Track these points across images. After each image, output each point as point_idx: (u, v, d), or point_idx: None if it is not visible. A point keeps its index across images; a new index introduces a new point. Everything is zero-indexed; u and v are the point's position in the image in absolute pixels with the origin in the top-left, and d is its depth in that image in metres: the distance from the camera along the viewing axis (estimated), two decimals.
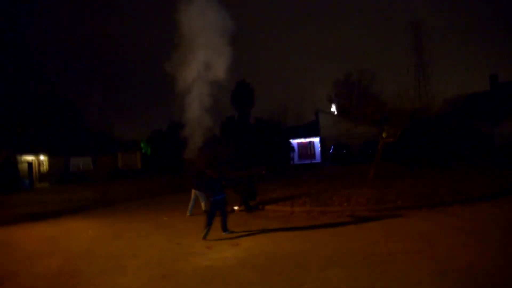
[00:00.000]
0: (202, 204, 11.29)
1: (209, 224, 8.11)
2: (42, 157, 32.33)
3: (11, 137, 28.58)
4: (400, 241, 6.82)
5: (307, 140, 37.79)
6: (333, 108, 53.07)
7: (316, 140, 36.97)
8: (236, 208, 11.59)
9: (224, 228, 8.38)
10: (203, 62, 16.18)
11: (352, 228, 8.20)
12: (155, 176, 31.51)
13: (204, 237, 7.97)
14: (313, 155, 37.22)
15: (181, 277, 5.73)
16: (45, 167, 32.76)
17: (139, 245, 8.18)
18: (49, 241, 9.49)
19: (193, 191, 11.42)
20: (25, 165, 30.35)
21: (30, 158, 30.85)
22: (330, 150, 32.30)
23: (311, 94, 77.79)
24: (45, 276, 6.44)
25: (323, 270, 5.53)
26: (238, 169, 25.17)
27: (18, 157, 28.88)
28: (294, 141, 37.18)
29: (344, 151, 30.98)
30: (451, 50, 80.00)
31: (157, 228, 9.97)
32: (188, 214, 11.34)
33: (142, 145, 41.72)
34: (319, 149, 36.52)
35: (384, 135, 16.22)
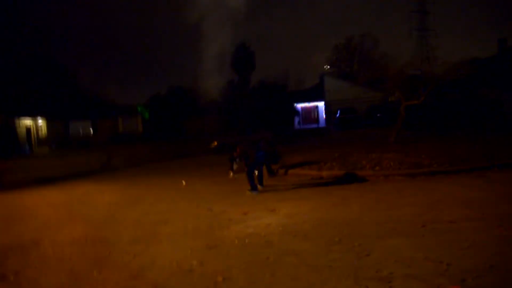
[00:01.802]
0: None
1: (254, 186, 8.55)
2: (40, 121, 31.43)
3: (8, 100, 27.60)
4: (454, 207, 6.32)
5: (312, 104, 37.09)
6: (328, 68, 51.79)
7: (320, 104, 36.28)
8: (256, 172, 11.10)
9: (261, 182, 8.95)
10: None
11: (394, 193, 7.69)
12: (157, 140, 30.90)
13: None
14: (317, 120, 36.64)
15: (227, 246, 5.20)
16: (43, 131, 31.93)
17: (165, 211, 7.64)
18: (64, 207, 8.97)
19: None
20: (23, 130, 29.51)
21: (27, 122, 29.94)
22: (336, 114, 31.65)
23: (312, 60, 76.28)
24: (72, 245, 5.91)
25: (385, 239, 5.02)
26: (246, 134, 24.57)
27: (16, 121, 27.98)
28: (298, 106, 36.44)
29: (351, 115, 30.34)
30: (456, 14, 77.81)
31: (179, 194, 9.44)
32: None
33: (139, 109, 40.77)
34: (324, 113, 35.89)
35: (392, 98, 15.59)
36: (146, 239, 5.85)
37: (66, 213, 8.29)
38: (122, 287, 4.19)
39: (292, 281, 3.99)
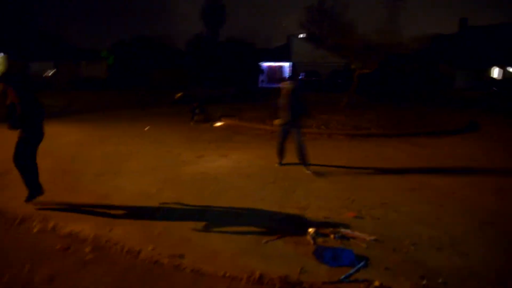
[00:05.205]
0: None
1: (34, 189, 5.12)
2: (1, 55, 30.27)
3: None
4: (376, 162, 7.61)
5: (278, 64, 37.70)
6: (302, 35, 52.25)
7: (286, 64, 36.98)
8: (218, 124, 12.05)
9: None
10: None
11: (333, 148, 8.90)
12: (122, 88, 30.75)
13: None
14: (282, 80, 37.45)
15: (181, 180, 6.20)
16: (2, 68, 30.81)
17: (128, 151, 8.45)
18: None
19: None
20: None
21: None
22: (299, 76, 32.61)
23: (283, 19, 75.63)
24: (41, 174, 6.63)
25: (313, 182, 6.19)
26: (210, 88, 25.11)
27: None
28: (264, 64, 36.97)
29: (314, 78, 31.42)
30: None
31: (141, 138, 10.20)
32: None
33: (103, 54, 39.71)
34: (288, 74, 36.71)
35: (354, 66, 16.66)
36: (110, 173, 6.71)
37: None
38: (92, 205, 5.09)
39: (230, 206, 5.08)
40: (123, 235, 4.11)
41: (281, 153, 7.08)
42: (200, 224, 4.46)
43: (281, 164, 7.09)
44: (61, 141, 9.87)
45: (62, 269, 3.38)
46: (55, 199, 5.32)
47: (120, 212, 4.85)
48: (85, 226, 4.32)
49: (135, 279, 3.28)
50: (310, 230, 4.26)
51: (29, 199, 5.05)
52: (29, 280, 3.18)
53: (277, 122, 6.96)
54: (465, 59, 34.17)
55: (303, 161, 6.73)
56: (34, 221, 4.47)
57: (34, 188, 5.07)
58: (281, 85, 6.87)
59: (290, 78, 7.13)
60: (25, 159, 4.96)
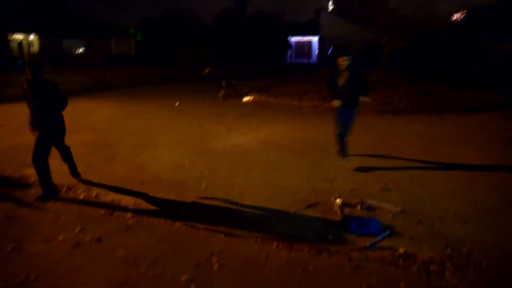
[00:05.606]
0: None
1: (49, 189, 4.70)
2: (32, 37, 31.19)
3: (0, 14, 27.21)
4: (402, 137, 7.60)
5: (305, 38, 37.05)
6: (331, 8, 50.81)
7: (314, 39, 36.31)
8: (247, 99, 12.20)
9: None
10: None
11: (361, 124, 8.87)
12: (150, 64, 31.22)
13: None
14: (310, 55, 36.90)
15: (213, 152, 6.45)
16: (35, 47, 31.80)
17: (160, 125, 8.78)
18: (69, 118, 9.89)
19: None
20: (15, 45, 29.40)
21: (19, 37, 29.75)
22: (328, 51, 32.05)
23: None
24: (82, 146, 7.06)
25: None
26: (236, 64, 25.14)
27: (9, 36, 27.87)
28: (292, 39, 36.46)
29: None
30: None
31: (172, 112, 10.50)
32: None
33: (131, 31, 40.17)
34: (317, 49, 36.11)
35: (384, 40, 16.24)
36: (145, 145, 7.04)
37: (73, 123, 9.26)
38: (129, 175, 5.42)
39: (261, 177, 5.27)
40: (160, 203, 4.39)
41: (344, 143, 5.97)
42: (231, 194, 4.69)
43: (347, 157, 6.01)
44: (96, 116, 10.32)
45: (108, 231, 3.70)
46: (96, 170, 5.68)
47: (155, 182, 5.14)
48: (124, 195, 4.64)
49: (175, 241, 3.55)
50: (338, 200, 4.41)
51: (43, 198, 4.54)
52: (80, 239, 3.52)
53: (334, 103, 5.93)
54: (505, 34, 32.40)
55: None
56: (79, 189, 4.83)
57: (49, 187, 4.65)
58: (337, 62, 5.85)
59: (347, 54, 5.88)
60: (44, 161, 4.71)
